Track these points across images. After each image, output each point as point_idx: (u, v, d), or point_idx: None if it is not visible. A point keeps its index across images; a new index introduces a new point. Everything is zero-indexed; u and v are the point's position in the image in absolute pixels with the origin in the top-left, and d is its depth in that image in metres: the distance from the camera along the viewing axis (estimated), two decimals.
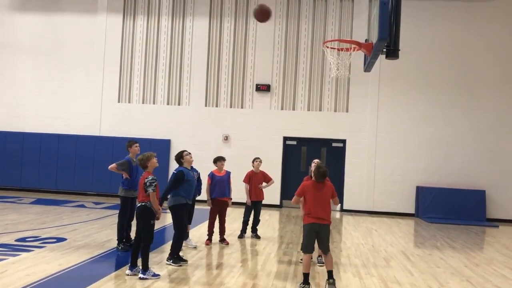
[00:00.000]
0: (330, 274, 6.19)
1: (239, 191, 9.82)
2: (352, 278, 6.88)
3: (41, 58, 16.36)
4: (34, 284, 5.76)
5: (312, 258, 6.65)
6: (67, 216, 11.16)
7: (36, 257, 7.05)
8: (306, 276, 6.14)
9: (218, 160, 8.95)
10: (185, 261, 7.20)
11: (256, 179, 9.63)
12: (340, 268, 7.43)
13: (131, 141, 8.29)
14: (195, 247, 8.34)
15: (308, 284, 6.11)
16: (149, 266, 6.32)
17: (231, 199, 8.97)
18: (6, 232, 8.87)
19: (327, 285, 6.16)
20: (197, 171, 8.42)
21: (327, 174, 6.26)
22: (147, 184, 6.35)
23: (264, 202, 9.94)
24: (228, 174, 8.95)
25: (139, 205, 6.45)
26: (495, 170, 14.61)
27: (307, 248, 6.19)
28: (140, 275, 6.21)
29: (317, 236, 6.19)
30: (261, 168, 9.81)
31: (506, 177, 14.57)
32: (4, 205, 12.63)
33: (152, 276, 6.26)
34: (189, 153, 7.61)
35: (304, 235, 6.27)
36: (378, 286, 6.49)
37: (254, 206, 9.65)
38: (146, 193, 6.36)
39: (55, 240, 8.39)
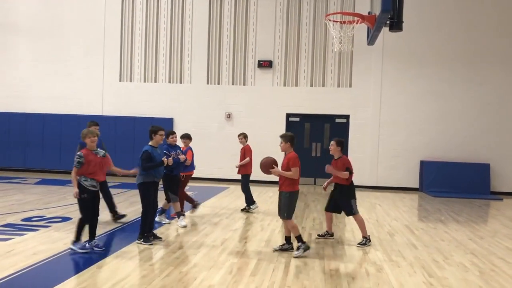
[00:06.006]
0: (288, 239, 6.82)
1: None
2: (357, 252, 6.91)
3: (41, 38, 16.22)
4: (41, 263, 5.81)
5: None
6: (72, 196, 11.17)
7: (42, 236, 7.11)
8: (299, 237, 6.58)
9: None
10: (159, 238, 7.14)
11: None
12: (345, 242, 7.46)
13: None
14: (169, 223, 8.35)
15: (304, 242, 6.59)
16: (81, 239, 6.43)
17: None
18: (12, 212, 8.94)
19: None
20: (179, 148, 8.37)
21: (287, 138, 7.13)
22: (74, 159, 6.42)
23: (267, 179, 9.91)
24: (187, 150, 8.74)
25: None
26: (499, 143, 14.54)
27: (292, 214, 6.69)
28: (71, 246, 6.36)
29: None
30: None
31: (510, 150, 14.51)
32: (9, 185, 12.69)
33: (80, 248, 6.32)
34: (164, 134, 7.20)
35: (292, 202, 6.67)
36: (383, 260, 6.52)
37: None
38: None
39: (60, 219, 8.45)
